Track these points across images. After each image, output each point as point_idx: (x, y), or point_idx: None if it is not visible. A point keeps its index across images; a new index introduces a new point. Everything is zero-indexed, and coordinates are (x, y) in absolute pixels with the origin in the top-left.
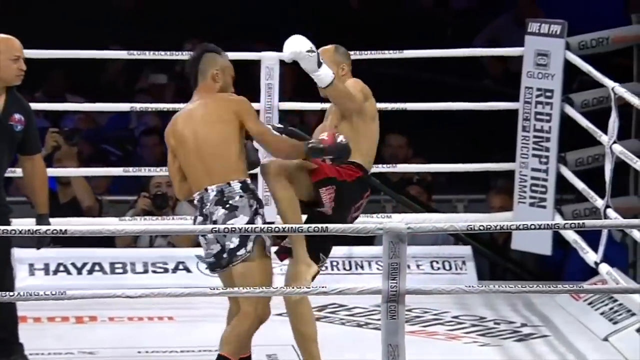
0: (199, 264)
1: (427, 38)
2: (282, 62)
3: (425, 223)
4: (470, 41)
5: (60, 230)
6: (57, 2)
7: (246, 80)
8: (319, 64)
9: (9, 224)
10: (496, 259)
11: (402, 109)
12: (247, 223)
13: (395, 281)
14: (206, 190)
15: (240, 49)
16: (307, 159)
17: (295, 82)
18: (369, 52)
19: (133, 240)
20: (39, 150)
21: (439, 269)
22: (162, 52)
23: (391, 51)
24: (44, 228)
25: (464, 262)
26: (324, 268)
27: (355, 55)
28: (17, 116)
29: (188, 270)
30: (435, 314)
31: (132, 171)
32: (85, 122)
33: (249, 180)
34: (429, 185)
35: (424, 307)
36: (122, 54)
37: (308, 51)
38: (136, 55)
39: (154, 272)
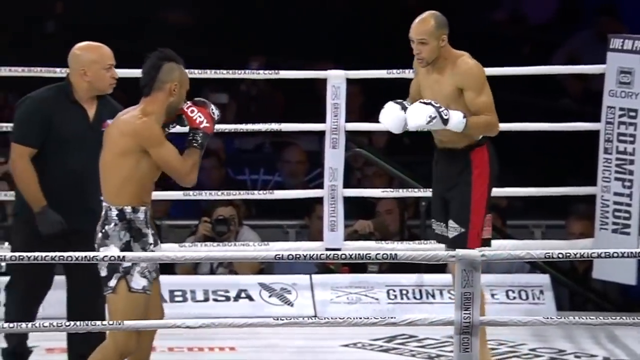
0: (262, 292)
1: (503, 55)
2: (348, 81)
3: (500, 250)
4: (548, 58)
5: (118, 257)
6: (117, 22)
7: (311, 100)
8: (445, 121)
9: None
10: (576, 288)
11: None
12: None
13: (468, 312)
14: (101, 201)
15: (305, 67)
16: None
17: (363, 101)
18: None
19: (193, 267)
20: None
21: (514, 298)
22: (224, 71)
23: None
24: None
25: (541, 292)
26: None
27: None
28: (109, 122)
29: (250, 298)
30: (511, 347)
31: (192, 195)
32: None
33: (128, 209)
34: (504, 210)
35: (499, 339)
36: None
37: (429, 122)
38: (197, 74)
39: (215, 300)
